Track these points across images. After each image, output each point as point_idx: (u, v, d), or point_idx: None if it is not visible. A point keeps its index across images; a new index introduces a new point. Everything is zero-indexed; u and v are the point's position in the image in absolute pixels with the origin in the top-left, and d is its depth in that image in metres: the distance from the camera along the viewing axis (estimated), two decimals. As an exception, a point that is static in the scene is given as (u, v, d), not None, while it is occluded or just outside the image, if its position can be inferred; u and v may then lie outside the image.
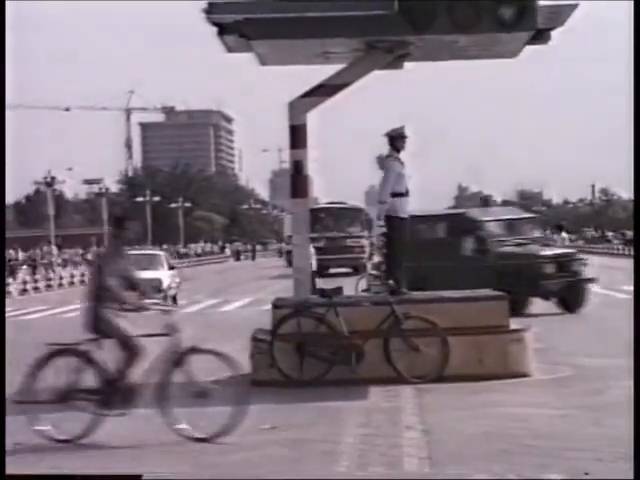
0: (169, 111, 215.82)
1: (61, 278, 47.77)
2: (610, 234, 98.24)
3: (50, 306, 31.71)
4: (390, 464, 8.25)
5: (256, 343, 12.76)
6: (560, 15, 12.45)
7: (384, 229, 13.50)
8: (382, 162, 13.38)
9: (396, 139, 13.37)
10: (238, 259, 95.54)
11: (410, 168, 13.60)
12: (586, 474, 7.70)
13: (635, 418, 8.90)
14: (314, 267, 31.20)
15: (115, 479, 8.19)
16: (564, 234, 31.66)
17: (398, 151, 13.41)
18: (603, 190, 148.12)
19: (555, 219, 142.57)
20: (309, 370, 12.30)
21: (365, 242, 48.59)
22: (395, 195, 13.30)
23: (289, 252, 56.73)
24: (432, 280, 19.19)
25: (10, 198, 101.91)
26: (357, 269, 44.40)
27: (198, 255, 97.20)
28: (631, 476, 7.66)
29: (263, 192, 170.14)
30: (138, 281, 10.13)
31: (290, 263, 50.65)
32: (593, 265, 26.60)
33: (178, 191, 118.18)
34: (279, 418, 10.25)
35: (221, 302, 31.54)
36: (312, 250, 32.88)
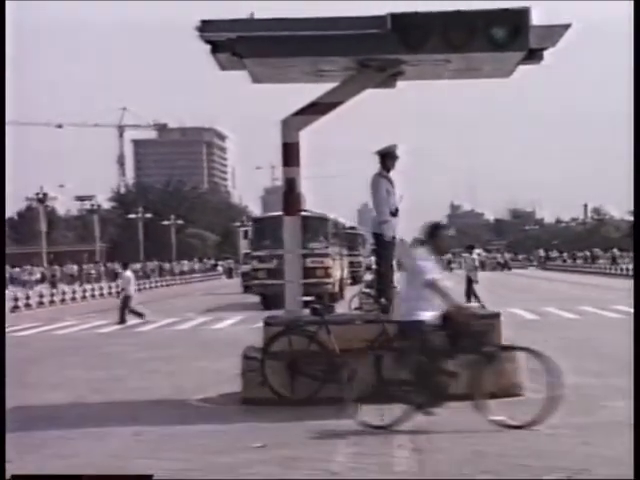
0: (162, 128, 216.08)
1: None
2: (553, 252, 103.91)
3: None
4: (381, 483, 8.24)
5: (247, 361, 12.74)
6: (553, 35, 12.48)
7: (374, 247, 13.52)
8: (371, 180, 13.34)
9: (387, 157, 13.34)
10: (230, 276, 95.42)
11: (402, 186, 13.60)
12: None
13: (635, 419, 8.92)
14: (131, 292, 31.06)
15: (126, 479, 8.14)
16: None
17: (388, 170, 13.39)
18: (595, 209, 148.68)
19: (548, 238, 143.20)
20: (300, 388, 12.29)
21: (331, 262, 36.82)
22: (384, 214, 13.28)
23: (245, 274, 42.13)
24: None
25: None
26: (320, 297, 32.61)
27: (182, 273, 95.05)
28: (631, 476, 7.68)
29: (256, 209, 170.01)
30: None
31: (246, 288, 40.28)
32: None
33: (170, 208, 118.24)
34: (270, 436, 10.24)
35: (212, 320, 31.48)
36: (129, 274, 32.11)
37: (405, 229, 14.98)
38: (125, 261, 37.04)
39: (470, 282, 29.70)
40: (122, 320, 30.00)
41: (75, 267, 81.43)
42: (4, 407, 11.20)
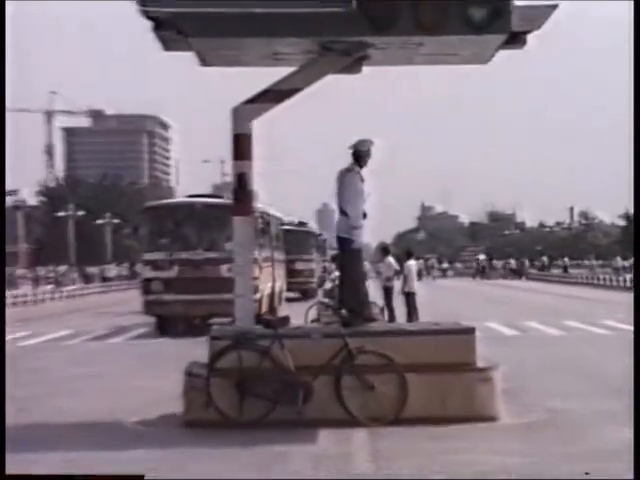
0: (97, 115, 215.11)
1: None
2: (497, 263, 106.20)
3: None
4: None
5: (190, 378, 12.72)
6: (538, 17, 12.54)
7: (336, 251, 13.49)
8: (341, 176, 13.32)
9: (361, 153, 13.34)
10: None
11: (371, 184, 13.61)
12: (586, 474, 7.83)
13: (635, 418, 8.97)
14: None
15: (117, 479, 8.22)
16: None
17: (360, 166, 13.40)
18: (583, 213, 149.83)
19: (530, 244, 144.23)
20: (250, 410, 12.30)
21: (257, 271, 26.63)
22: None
23: (147, 282, 29.81)
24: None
25: None
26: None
27: (106, 279, 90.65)
28: (631, 476, 7.80)
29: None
30: None
31: (146, 306, 29.04)
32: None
33: (106, 205, 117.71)
34: (214, 463, 10.24)
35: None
36: None
37: (370, 231, 15.04)
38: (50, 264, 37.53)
39: (409, 295, 28.89)
40: None
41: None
42: (4, 407, 11.16)
